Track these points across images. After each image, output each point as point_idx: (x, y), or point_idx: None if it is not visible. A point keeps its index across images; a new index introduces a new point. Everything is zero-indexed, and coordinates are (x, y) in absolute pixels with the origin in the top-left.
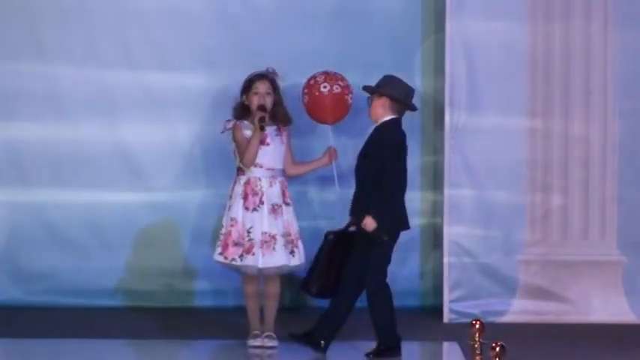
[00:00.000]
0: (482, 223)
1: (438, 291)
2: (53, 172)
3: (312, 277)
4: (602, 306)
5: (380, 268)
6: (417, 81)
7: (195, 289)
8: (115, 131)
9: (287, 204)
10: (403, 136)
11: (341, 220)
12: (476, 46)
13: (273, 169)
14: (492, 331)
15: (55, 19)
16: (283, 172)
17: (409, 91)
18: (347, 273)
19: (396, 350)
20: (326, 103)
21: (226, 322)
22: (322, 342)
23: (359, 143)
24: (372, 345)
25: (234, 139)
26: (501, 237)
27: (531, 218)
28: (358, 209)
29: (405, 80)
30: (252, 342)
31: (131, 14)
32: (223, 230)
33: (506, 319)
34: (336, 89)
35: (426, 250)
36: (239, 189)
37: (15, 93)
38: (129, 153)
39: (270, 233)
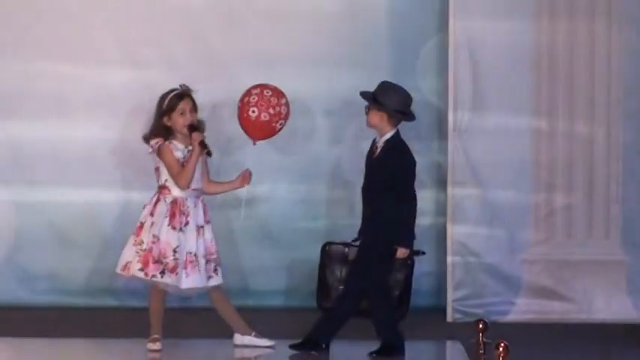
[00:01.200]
0: (486, 223)
1: (441, 290)
2: (57, 172)
3: (321, 292)
4: (605, 305)
5: (381, 270)
6: (421, 80)
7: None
8: (119, 131)
9: (207, 222)
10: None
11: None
12: (479, 46)
13: (197, 190)
14: (496, 330)
15: (57, 18)
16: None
17: (408, 100)
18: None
19: (400, 349)
20: (251, 127)
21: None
22: (323, 344)
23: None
24: (374, 344)
25: (164, 160)
26: (505, 236)
27: (535, 218)
28: (370, 227)
29: (409, 80)
30: (151, 346)
31: (133, 13)
32: (144, 246)
33: (510, 318)
34: (264, 117)
35: (430, 249)
36: (163, 207)
37: (19, 92)
38: (133, 153)
39: (194, 253)
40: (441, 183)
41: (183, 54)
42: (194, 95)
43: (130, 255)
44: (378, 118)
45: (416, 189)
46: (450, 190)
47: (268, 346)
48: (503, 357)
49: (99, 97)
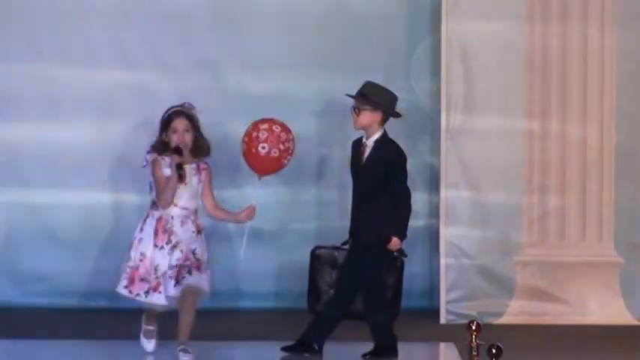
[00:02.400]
0: (480, 224)
1: (434, 292)
2: (51, 174)
3: (312, 296)
4: (599, 307)
5: (377, 271)
6: (413, 82)
7: None
8: (112, 133)
9: (199, 232)
10: None
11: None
12: (472, 47)
13: (187, 209)
14: (489, 332)
15: (51, 20)
16: (196, 212)
17: (395, 99)
18: (342, 277)
19: (393, 351)
20: (259, 163)
21: (220, 323)
22: (316, 346)
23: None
24: (367, 346)
25: (153, 175)
26: (498, 238)
27: (528, 219)
28: (370, 228)
29: (402, 82)
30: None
31: (128, 15)
32: (131, 263)
33: (504, 320)
34: (274, 153)
35: (423, 251)
36: (152, 223)
37: (12, 94)
38: (126, 155)
39: (172, 266)
40: (434, 184)
41: (176, 57)
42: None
43: (121, 273)
44: (371, 118)
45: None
46: (442, 191)
47: None
48: (496, 359)
49: (92, 99)
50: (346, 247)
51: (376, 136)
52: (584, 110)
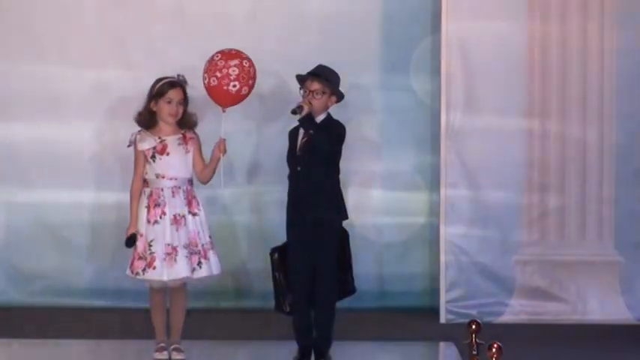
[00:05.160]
0: (479, 224)
1: (434, 291)
2: (51, 173)
3: (279, 297)
4: (599, 306)
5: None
6: (413, 81)
7: (191, 290)
8: (112, 132)
9: (194, 214)
10: None
11: None
12: (472, 47)
13: (175, 179)
14: (489, 331)
15: (52, 19)
16: (191, 182)
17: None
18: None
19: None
20: (228, 99)
21: (220, 323)
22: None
23: None
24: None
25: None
26: (498, 237)
27: (528, 218)
28: (323, 205)
29: (401, 81)
30: (157, 355)
31: (127, 14)
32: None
33: (504, 319)
34: (213, 82)
35: (423, 250)
36: (145, 201)
37: (12, 93)
38: (126, 154)
39: (172, 245)
40: (434, 184)
41: (176, 55)
42: (190, 90)
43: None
44: (327, 103)
45: (408, 190)
46: (442, 191)
47: None
48: (496, 358)
49: (92, 97)
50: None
51: (321, 117)
52: (583, 109)
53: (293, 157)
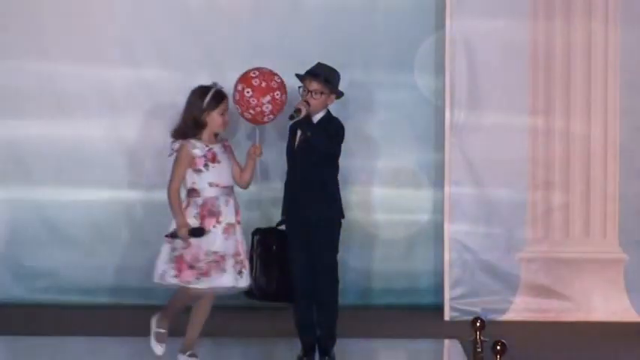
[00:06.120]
0: (484, 221)
1: (438, 289)
2: (55, 171)
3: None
4: (603, 304)
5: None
6: (418, 79)
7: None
8: (117, 130)
9: (239, 223)
10: None
11: None
12: (476, 44)
13: (227, 187)
14: (493, 328)
15: (57, 17)
16: (233, 189)
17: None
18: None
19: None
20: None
21: (223, 320)
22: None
23: None
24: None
25: (178, 159)
26: (502, 234)
27: (533, 216)
28: (324, 205)
29: (406, 78)
30: (157, 349)
31: (133, 13)
32: (176, 253)
33: (508, 316)
34: (247, 115)
35: (427, 248)
36: (193, 211)
37: (17, 91)
38: (130, 151)
39: (220, 253)
40: (438, 181)
41: (182, 53)
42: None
43: (164, 263)
44: (326, 101)
45: (412, 188)
46: (447, 188)
47: None
48: (500, 355)
49: (97, 95)
50: (282, 227)
51: (320, 115)
52: (588, 107)
53: (291, 152)
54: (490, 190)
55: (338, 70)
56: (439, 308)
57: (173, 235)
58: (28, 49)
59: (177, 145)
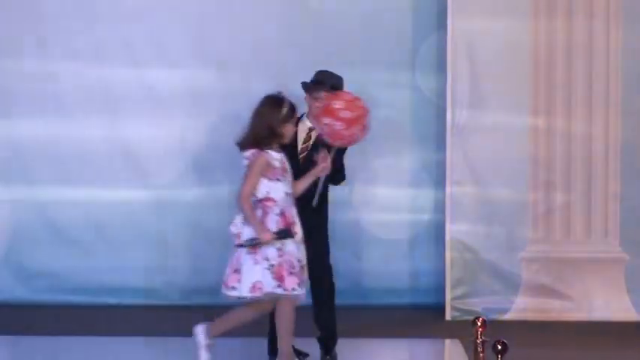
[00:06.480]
0: (485, 221)
1: (440, 288)
2: (56, 170)
3: None
4: (604, 304)
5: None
6: (419, 79)
7: (198, 286)
8: (118, 129)
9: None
10: None
11: None
12: (478, 44)
13: (290, 194)
14: (494, 328)
15: (57, 16)
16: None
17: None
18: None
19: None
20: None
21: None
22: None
23: None
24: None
25: (252, 167)
26: (504, 234)
27: (534, 216)
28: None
29: (407, 78)
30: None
31: (134, 11)
32: (272, 262)
33: (509, 316)
34: (338, 144)
35: (428, 248)
36: (274, 219)
37: (18, 91)
38: (131, 151)
39: (302, 262)
40: (440, 181)
41: (185, 52)
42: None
43: (257, 274)
44: None
45: (413, 188)
46: (448, 188)
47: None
48: (501, 355)
49: (98, 95)
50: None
51: None
52: (589, 107)
53: (291, 151)
54: (491, 190)
55: (338, 70)
56: (440, 308)
57: (254, 244)
58: (28, 49)
59: (251, 154)
